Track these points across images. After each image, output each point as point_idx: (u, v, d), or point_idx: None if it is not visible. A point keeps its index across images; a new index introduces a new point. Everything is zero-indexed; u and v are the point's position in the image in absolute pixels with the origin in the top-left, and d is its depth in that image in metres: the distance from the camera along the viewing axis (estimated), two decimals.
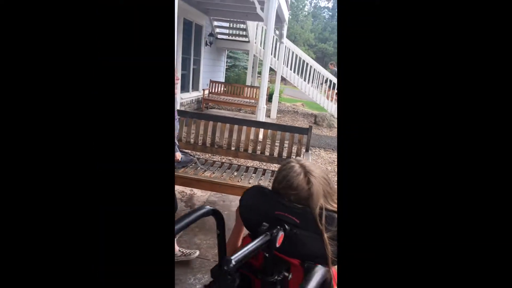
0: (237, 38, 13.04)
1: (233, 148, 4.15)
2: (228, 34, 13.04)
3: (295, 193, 1.07)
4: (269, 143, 4.04)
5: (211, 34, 11.22)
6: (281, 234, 0.98)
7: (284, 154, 4.01)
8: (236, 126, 4.07)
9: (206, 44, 11.08)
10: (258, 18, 8.10)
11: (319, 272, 0.91)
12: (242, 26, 12.30)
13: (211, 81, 11.26)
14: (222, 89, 11.38)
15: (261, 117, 7.01)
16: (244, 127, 4.08)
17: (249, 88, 11.26)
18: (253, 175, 3.76)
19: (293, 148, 3.96)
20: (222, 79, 14.09)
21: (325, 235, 0.99)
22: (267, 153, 4.06)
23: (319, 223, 1.00)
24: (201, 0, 8.96)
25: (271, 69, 10.13)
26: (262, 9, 6.63)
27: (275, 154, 4.03)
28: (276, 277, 1.03)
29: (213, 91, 11.17)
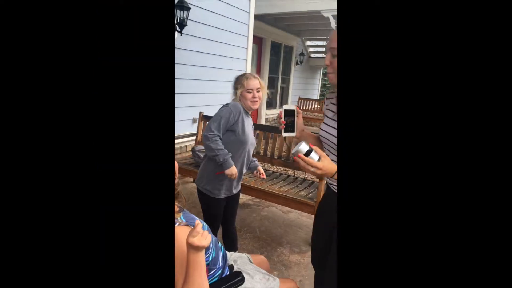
0: None
1: (268, 155, 3.94)
2: (324, 52, 12.85)
3: None
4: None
5: (301, 54, 11.20)
6: None
7: None
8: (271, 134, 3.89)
9: (297, 63, 11.07)
10: None
11: None
12: None
13: (300, 98, 11.18)
14: (313, 105, 11.20)
15: None
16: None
17: None
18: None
19: None
20: (316, 96, 13.91)
21: None
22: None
23: None
24: (291, 23, 8.99)
25: None
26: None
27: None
28: None
29: (302, 108, 11.04)
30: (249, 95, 2.25)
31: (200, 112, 4.46)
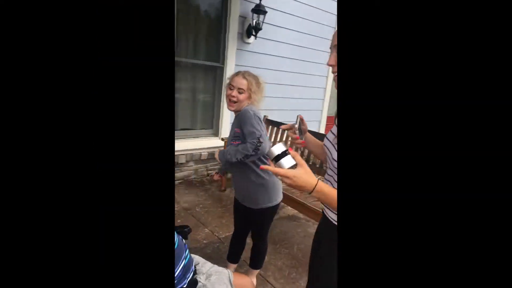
0: None
1: (317, 165, 3.78)
2: None
3: None
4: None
5: None
6: None
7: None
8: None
9: None
10: None
11: None
12: None
13: None
14: None
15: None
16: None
17: None
18: None
19: None
20: None
21: None
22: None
23: None
24: None
25: None
26: None
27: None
28: None
29: None
30: (228, 92, 2.05)
31: (264, 116, 4.19)
